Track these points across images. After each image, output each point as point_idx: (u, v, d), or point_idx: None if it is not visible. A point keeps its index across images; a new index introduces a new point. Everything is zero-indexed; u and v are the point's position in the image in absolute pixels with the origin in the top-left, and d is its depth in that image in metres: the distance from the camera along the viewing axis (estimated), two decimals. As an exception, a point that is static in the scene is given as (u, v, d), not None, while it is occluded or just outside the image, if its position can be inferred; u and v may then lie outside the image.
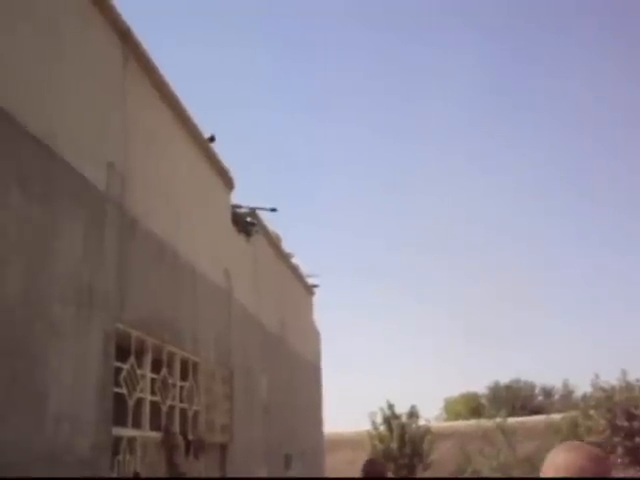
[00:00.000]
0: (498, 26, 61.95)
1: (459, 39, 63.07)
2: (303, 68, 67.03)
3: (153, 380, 8.74)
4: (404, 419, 31.92)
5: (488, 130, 65.03)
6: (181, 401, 9.66)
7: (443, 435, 33.07)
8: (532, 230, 71.15)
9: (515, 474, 28.85)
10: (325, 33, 63.22)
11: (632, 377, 28.23)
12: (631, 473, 25.06)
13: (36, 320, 5.86)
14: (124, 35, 8.11)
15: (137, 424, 8.17)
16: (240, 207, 14.07)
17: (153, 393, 8.71)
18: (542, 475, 2.26)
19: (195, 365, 10.20)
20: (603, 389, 28.46)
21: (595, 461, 2.24)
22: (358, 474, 6.30)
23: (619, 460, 26.54)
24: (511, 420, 32.72)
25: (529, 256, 72.39)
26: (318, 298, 21.97)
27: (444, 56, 64.17)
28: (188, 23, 60.69)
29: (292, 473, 15.69)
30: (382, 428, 31.95)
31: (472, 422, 35.91)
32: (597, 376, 29.06)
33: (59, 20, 6.70)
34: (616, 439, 26.71)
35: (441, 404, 56.56)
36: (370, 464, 6.37)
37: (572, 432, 29.17)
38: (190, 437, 9.71)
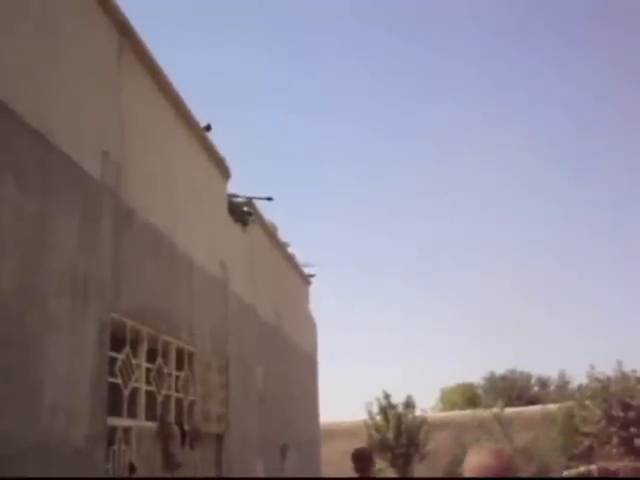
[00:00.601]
0: (500, 25, 61.70)
1: (461, 38, 62.86)
2: (301, 62, 66.92)
3: (148, 370, 8.74)
4: (400, 409, 31.92)
5: (491, 126, 64.86)
6: (177, 391, 9.67)
7: (439, 425, 33.10)
8: (529, 223, 71.24)
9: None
10: (322, 28, 62.91)
11: (628, 368, 28.28)
12: (626, 463, 25.10)
13: (31, 312, 5.85)
14: (121, 27, 8.08)
15: (132, 414, 8.18)
16: (236, 196, 14.04)
17: (148, 383, 8.71)
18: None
19: (191, 355, 10.20)
20: (599, 380, 28.49)
21: (497, 458, 2.64)
22: (351, 464, 6.40)
23: (614, 450, 26.62)
24: (508, 410, 32.77)
25: (525, 247, 72.48)
26: (315, 288, 21.99)
27: (445, 54, 64.05)
28: (189, 20, 60.35)
29: (288, 463, 15.72)
30: (378, 418, 31.95)
31: (468, 412, 35.93)
32: (593, 367, 29.10)
33: (56, 13, 6.67)
34: (611, 429, 26.77)
35: (437, 394, 56.60)
36: (358, 453, 6.48)
37: (568, 422, 29.24)
38: (186, 427, 9.72)
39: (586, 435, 27.82)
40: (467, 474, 2.66)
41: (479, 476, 2.60)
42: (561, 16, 60.57)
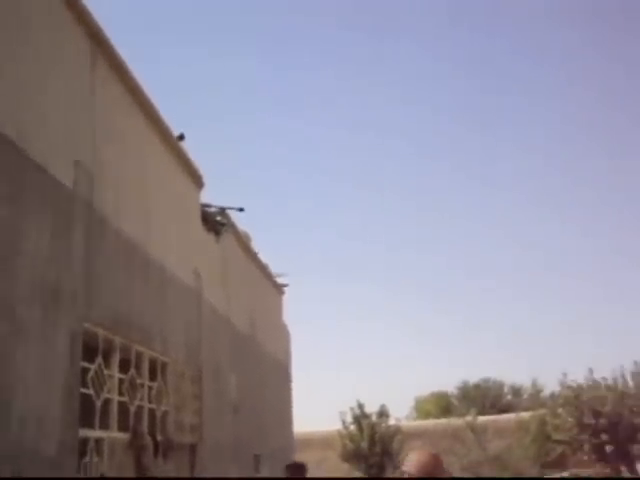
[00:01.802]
0: (496, 26, 62.16)
1: (452, 38, 63.34)
2: (274, 65, 66.95)
3: (121, 380, 8.67)
4: (374, 418, 31.98)
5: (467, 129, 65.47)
6: (150, 401, 9.60)
7: (413, 434, 33.14)
8: (506, 223, 71.80)
9: (485, 472, 29.09)
10: (292, 26, 63.09)
11: (598, 375, 28.56)
12: (597, 469, 25.35)
13: (0, 321, 5.78)
14: (94, 36, 8.05)
15: (105, 425, 8.11)
16: (210, 206, 14.01)
17: (121, 393, 8.64)
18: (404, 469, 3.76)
19: (164, 365, 10.14)
20: (571, 388, 28.72)
21: (430, 457, 3.70)
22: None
23: (586, 457, 26.82)
24: (481, 419, 32.92)
25: (500, 253, 73.00)
26: (288, 297, 21.98)
27: (434, 53, 64.46)
28: (168, 21, 60.24)
29: (262, 473, 15.66)
30: (352, 427, 31.96)
31: (442, 421, 36.09)
32: (565, 375, 29.35)
33: (29, 19, 6.63)
34: (583, 436, 26.96)
35: (411, 403, 56.77)
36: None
37: (540, 430, 29.43)
38: (159, 437, 9.65)
39: (558, 442, 28.01)
40: (407, 467, 3.75)
41: (416, 469, 3.72)
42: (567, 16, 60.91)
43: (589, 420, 27.05)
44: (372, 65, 65.30)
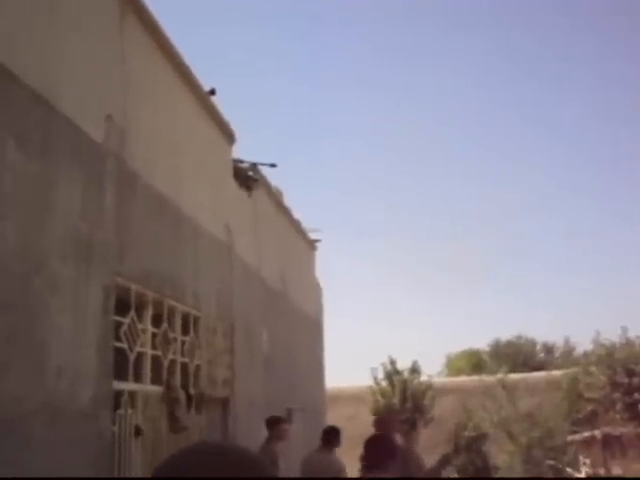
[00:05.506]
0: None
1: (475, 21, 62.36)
2: (307, 26, 66.27)
3: (154, 334, 8.75)
4: (406, 375, 32.08)
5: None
6: (182, 355, 9.69)
7: (445, 391, 33.24)
8: (533, 182, 70.94)
9: (515, 429, 29.13)
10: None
11: (632, 334, 28.33)
12: (630, 428, 25.27)
13: (34, 275, 5.84)
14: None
15: (138, 378, 8.21)
16: (241, 161, 13.96)
17: (154, 347, 8.73)
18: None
19: (196, 319, 10.21)
20: (604, 346, 28.55)
21: (386, 418, 4.84)
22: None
23: (618, 416, 26.73)
24: (512, 376, 32.88)
25: (528, 213, 72.30)
26: (321, 253, 21.96)
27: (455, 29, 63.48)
28: None
29: (293, 427, 15.82)
30: (384, 383, 32.11)
31: (474, 378, 36.08)
32: (598, 333, 29.16)
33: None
34: (615, 395, 26.88)
35: (443, 360, 56.88)
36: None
37: (572, 388, 29.35)
38: (191, 391, 9.76)
39: (590, 401, 27.94)
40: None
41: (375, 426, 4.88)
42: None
43: (622, 379, 26.93)
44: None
